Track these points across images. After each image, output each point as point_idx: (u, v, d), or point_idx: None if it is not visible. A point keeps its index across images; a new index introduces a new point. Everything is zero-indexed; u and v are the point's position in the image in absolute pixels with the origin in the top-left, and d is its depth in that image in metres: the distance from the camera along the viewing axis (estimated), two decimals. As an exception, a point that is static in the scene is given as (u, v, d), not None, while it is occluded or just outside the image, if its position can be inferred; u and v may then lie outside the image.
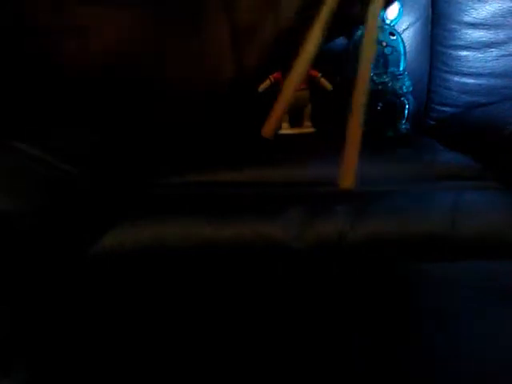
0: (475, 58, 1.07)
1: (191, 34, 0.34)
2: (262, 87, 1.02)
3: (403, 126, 0.94)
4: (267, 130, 0.33)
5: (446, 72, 1.09)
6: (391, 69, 0.93)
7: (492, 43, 1.06)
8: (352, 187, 0.33)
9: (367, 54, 0.33)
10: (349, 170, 0.34)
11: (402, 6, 0.97)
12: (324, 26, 0.32)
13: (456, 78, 1.09)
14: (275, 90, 1.02)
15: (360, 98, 0.32)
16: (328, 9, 0.31)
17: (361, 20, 0.32)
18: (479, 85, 1.08)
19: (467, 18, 1.07)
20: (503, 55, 1.06)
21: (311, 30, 0.32)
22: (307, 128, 1.03)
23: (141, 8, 0.32)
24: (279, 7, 0.32)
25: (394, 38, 0.94)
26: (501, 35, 1.06)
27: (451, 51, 1.08)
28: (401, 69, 0.94)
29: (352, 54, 0.95)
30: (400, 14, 0.97)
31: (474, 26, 1.06)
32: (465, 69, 1.08)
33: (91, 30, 0.35)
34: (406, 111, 0.94)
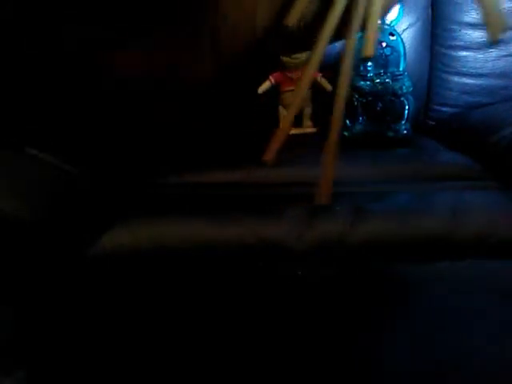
0: (475, 59, 1.07)
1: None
2: (262, 88, 1.02)
3: (403, 127, 0.94)
4: (269, 155, 0.33)
5: (446, 72, 1.09)
6: (391, 69, 0.93)
7: (492, 44, 1.06)
8: (328, 202, 0.33)
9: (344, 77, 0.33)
10: (325, 187, 0.34)
11: (402, 6, 0.97)
12: (328, 39, 0.33)
13: (456, 79, 1.09)
14: (275, 90, 1.03)
15: (337, 125, 0.33)
16: (335, 15, 0.31)
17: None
18: (479, 85, 1.08)
19: (467, 19, 1.07)
20: (503, 55, 1.06)
21: (315, 46, 0.32)
22: (308, 128, 1.03)
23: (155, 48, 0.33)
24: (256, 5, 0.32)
25: (394, 38, 0.94)
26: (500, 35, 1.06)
27: (451, 51, 1.08)
28: (401, 69, 0.94)
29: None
30: (400, 15, 0.97)
31: (473, 26, 1.06)
32: (464, 69, 1.08)
33: (115, 66, 0.36)
34: (406, 111, 0.94)
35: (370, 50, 0.30)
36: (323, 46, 0.32)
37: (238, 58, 0.33)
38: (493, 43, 0.34)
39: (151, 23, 0.31)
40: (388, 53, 0.92)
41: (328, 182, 0.33)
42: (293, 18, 0.31)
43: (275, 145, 0.32)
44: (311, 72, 0.32)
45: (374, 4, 0.31)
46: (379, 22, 0.32)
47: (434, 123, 1.13)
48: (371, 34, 0.30)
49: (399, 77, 0.93)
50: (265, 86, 1.02)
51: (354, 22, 0.31)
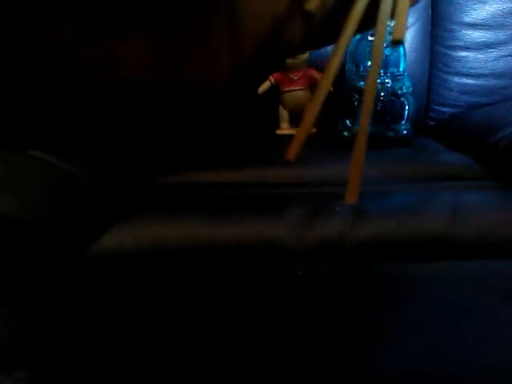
0: (475, 59, 1.07)
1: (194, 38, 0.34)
2: (262, 88, 1.02)
3: (403, 127, 0.94)
4: (291, 152, 0.33)
5: (446, 72, 1.10)
6: (391, 69, 0.93)
7: (492, 44, 1.06)
8: (355, 202, 0.32)
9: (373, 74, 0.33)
10: (353, 187, 0.34)
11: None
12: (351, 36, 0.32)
13: (456, 79, 1.09)
14: (274, 91, 1.03)
15: (366, 121, 0.32)
16: (359, 10, 0.31)
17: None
18: (479, 85, 1.08)
19: (467, 19, 1.07)
20: (503, 56, 1.06)
21: (340, 39, 0.31)
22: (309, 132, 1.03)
23: (155, 33, 0.32)
24: None
25: (394, 38, 0.94)
26: (500, 36, 1.06)
27: (451, 52, 1.09)
28: (401, 69, 0.94)
29: (351, 55, 0.95)
30: (400, 15, 0.97)
31: (473, 26, 1.07)
32: (465, 69, 1.08)
33: (115, 64, 0.35)
34: (406, 112, 0.94)
35: (400, 33, 0.29)
36: (348, 38, 0.31)
37: (258, 55, 0.32)
38: None
39: (156, 17, 0.31)
40: (388, 53, 0.92)
41: (356, 182, 0.33)
42: (314, 2, 0.30)
43: (297, 143, 0.32)
44: (336, 64, 0.31)
45: None
46: (409, 4, 0.31)
47: (434, 123, 1.13)
48: (402, 16, 0.29)
49: (399, 77, 0.93)
50: (265, 86, 1.02)
51: (382, 13, 0.31)
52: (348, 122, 0.96)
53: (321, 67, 0.98)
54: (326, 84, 0.32)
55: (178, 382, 0.40)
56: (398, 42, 0.31)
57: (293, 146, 0.33)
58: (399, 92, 0.92)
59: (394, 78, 0.92)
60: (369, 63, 0.92)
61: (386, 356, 0.41)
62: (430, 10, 1.10)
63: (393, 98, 0.93)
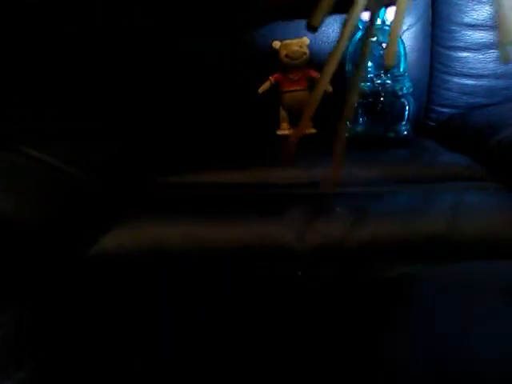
0: (475, 59, 1.07)
1: None
2: (262, 89, 1.02)
3: (403, 128, 0.94)
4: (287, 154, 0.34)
5: (446, 73, 1.09)
6: (391, 70, 0.93)
7: (492, 44, 1.06)
8: (333, 190, 0.33)
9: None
10: (333, 174, 0.35)
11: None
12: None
13: (456, 79, 1.09)
14: (274, 91, 1.03)
15: (349, 111, 0.33)
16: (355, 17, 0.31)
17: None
18: (479, 86, 1.08)
19: (467, 20, 1.07)
20: (503, 56, 1.06)
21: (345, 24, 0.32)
22: (307, 129, 1.03)
23: None
24: None
25: (394, 39, 0.94)
26: (501, 36, 1.06)
27: (451, 52, 1.09)
28: (401, 70, 0.94)
29: (351, 56, 0.95)
30: (400, 16, 0.97)
31: (473, 27, 1.07)
32: (465, 70, 1.08)
33: None
34: (406, 112, 0.94)
35: (391, 60, 0.31)
36: (345, 40, 0.32)
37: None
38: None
39: None
40: (388, 53, 0.92)
41: (336, 168, 0.34)
42: (317, 19, 0.31)
43: (307, 115, 0.33)
44: (333, 65, 0.32)
45: (397, 13, 0.31)
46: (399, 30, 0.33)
47: (434, 124, 1.13)
48: (393, 45, 0.30)
49: (399, 77, 0.93)
50: (265, 86, 1.02)
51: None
52: (348, 122, 0.96)
53: (320, 68, 0.98)
54: (323, 83, 0.33)
55: (177, 381, 0.40)
56: (389, 68, 0.32)
57: (288, 147, 0.33)
58: (399, 93, 0.92)
59: (395, 78, 0.92)
60: (369, 63, 0.92)
61: (386, 356, 0.41)
62: (430, 11, 1.10)
63: (393, 99, 0.93)
